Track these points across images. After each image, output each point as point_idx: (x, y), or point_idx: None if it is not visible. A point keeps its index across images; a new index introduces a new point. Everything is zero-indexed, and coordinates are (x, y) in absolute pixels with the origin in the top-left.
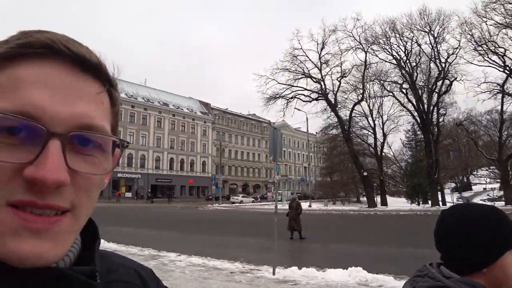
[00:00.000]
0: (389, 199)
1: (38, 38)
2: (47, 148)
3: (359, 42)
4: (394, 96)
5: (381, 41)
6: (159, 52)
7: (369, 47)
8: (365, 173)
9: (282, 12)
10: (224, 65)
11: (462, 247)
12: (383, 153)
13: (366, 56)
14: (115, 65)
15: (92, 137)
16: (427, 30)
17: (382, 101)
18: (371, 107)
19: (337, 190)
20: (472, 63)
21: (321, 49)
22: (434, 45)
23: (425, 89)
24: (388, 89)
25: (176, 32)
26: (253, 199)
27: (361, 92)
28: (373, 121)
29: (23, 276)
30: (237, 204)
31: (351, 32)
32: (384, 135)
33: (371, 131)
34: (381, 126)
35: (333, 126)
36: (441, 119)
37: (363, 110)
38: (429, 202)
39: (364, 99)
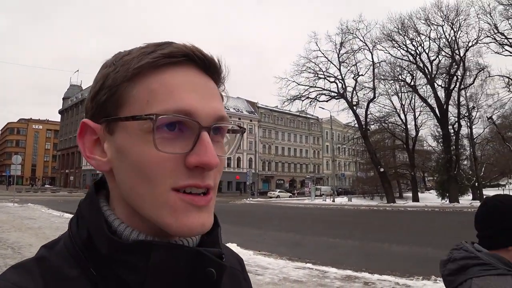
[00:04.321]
0: (425, 195)
1: (179, 48)
2: (202, 139)
3: (364, 43)
4: (416, 91)
5: (396, 37)
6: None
7: (374, 46)
8: (381, 169)
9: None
10: (278, 63)
11: (494, 227)
12: (415, 148)
13: (372, 56)
14: (226, 66)
15: (223, 126)
16: (443, 23)
17: (413, 95)
18: (403, 102)
19: (373, 185)
20: (499, 53)
21: (339, 50)
22: (453, 37)
23: (445, 83)
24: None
25: (229, 32)
26: (291, 194)
27: (384, 89)
28: (405, 115)
29: (170, 251)
30: (273, 199)
31: (355, 34)
32: (417, 130)
33: (403, 126)
34: (414, 121)
35: (377, 121)
36: (473, 113)
37: (394, 105)
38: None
39: (375, 98)
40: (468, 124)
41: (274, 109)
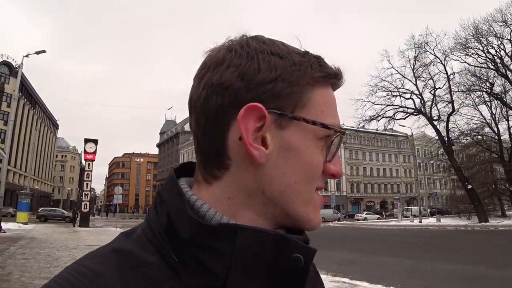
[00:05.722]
0: None
1: (337, 70)
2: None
3: (434, 55)
4: (501, 99)
5: (471, 44)
6: None
7: (446, 57)
8: (469, 186)
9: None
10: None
11: None
12: None
13: (445, 67)
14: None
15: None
16: None
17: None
18: (493, 111)
19: (469, 203)
20: None
21: (414, 65)
22: None
23: None
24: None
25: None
26: (379, 216)
27: (459, 102)
28: (496, 125)
29: (256, 234)
30: (360, 222)
31: (424, 48)
32: None
33: (496, 137)
34: (508, 130)
35: (465, 134)
36: None
37: (483, 115)
38: None
39: (454, 111)
40: None
41: (359, 129)
